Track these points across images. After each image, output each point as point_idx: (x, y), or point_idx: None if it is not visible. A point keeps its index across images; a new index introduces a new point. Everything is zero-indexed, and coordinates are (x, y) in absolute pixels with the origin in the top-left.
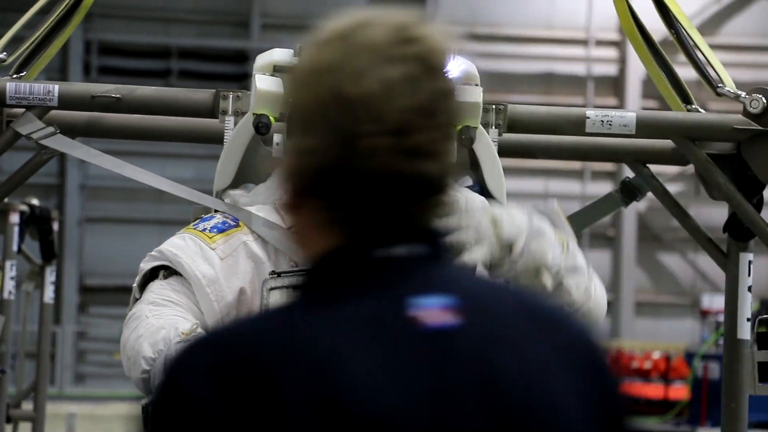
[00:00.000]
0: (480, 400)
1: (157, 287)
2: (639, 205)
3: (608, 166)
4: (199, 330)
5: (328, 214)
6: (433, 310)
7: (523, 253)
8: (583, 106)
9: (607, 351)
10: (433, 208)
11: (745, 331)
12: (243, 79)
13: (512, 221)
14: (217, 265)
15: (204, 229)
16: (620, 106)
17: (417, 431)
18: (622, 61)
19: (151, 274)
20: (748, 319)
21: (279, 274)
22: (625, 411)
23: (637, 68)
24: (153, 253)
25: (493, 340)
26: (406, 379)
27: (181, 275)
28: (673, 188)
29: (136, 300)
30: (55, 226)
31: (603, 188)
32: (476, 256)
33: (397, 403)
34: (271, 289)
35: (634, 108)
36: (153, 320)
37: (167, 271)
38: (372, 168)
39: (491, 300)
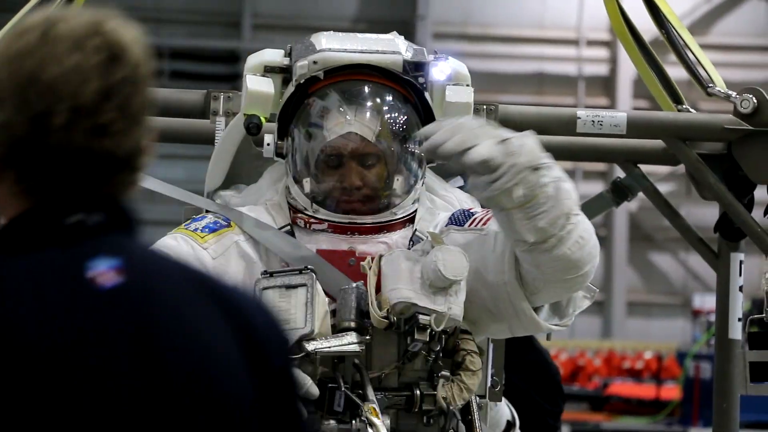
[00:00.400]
0: (132, 349)
1: None
2: (630, 205)
3: (599, 166)
4: None
5: (20, 184)
6: (102, 270)
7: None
8: (574, 106)
9: (267, 315)
10: (118, 183)
11: (736, 331)
12: (234, 80)
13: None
14: (208, 264)
15: (195, 229)
16: (611, 106)
17: (69, 368)
18: (613, 61)
19: None
20: (739, 319)
21: (271, 274)
22: (281, 367)
23: (628, 68)
24: None
25: (151, 298)
26: (68, 326)
27: None
28: (664, 188)
29: None
30: None
31: (594, 188)
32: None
33: (57, 343)
34: (264, 288)
35: (625, 108)
36: None
37: None
38: (59, 143)
39: (157, 266)
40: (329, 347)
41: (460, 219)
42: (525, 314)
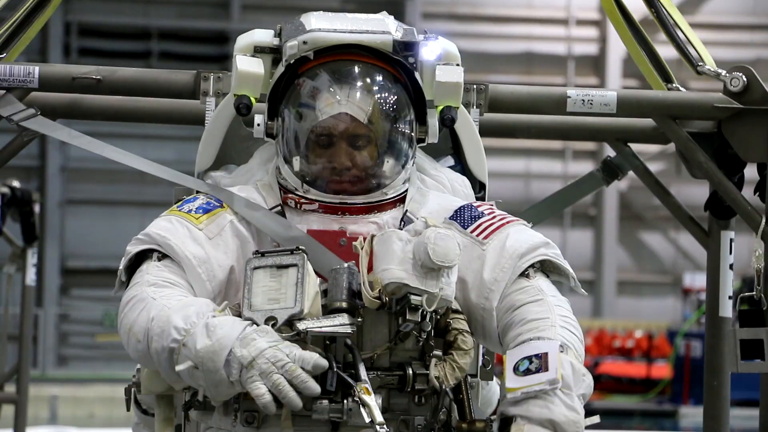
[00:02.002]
0: None
1: (153, 269)
2: (620, 184)
3: (589, 146)
4: (228, 309)
5: None
6: None
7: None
8: (564, 86)
9: None
10: None
11: (727, 309)
12: (223, 60)
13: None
14: (205, 245)
15: (189, 211)
16: (601, 85)
17: None
18: (603, 41)
19: (137, 258)
20: (730, 297)
21: (263, 254)
22: None
23: (617, 47)
24: (139, 236)
25: None
26: None
27: (170, 258)
28: (654, 167)
29: (122, 283)
30: (37, 208)
31: (584, 167)
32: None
33: None
34: (255, 268)
35: (614, 87)
36: (163, 301)
37: (159, 253)
38: None
39: None
40: (321, 327)
41: (465, 219)
42: (492, 340)
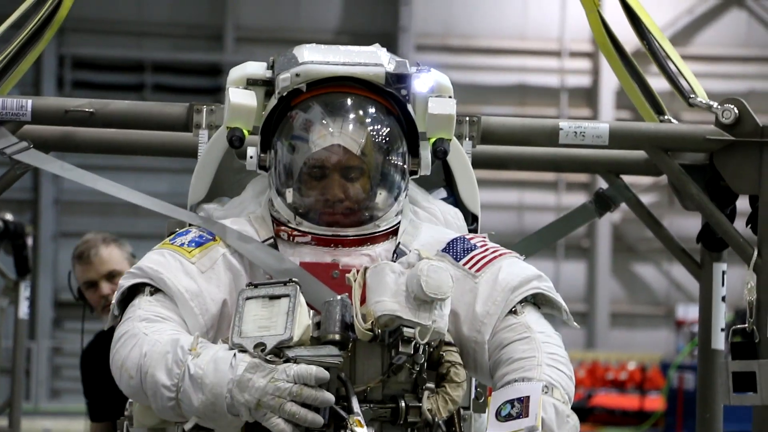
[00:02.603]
0: None
1: (145, 304)
2: (613, 216)
3: (582, 178)
4: (201, 340)
5: None
6: None
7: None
8: (557, 117)
9: None
10: None
11: (719, 341)
12: (217, 93)
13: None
14: (198, 278)
15: (182, 244)
16: (594, 117)
17: None
18: (596, 72)
19: (129, 292)
20: (722, 329)
21: (256, 285)
22: None
23: (610, 79)
24: (132, 270)
25: None
26: None
27: (162, 292)
28: (646, 199)
29: (115, 317)
30: (30, 241)
31: (577, 199)
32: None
33: None
34: (247, 299)
35: (607, 119)
36: (155, 336)
37: (152, 287)
38: None
39: None
40: (309, 355)
41: (458, 251)
42: (484, 373)
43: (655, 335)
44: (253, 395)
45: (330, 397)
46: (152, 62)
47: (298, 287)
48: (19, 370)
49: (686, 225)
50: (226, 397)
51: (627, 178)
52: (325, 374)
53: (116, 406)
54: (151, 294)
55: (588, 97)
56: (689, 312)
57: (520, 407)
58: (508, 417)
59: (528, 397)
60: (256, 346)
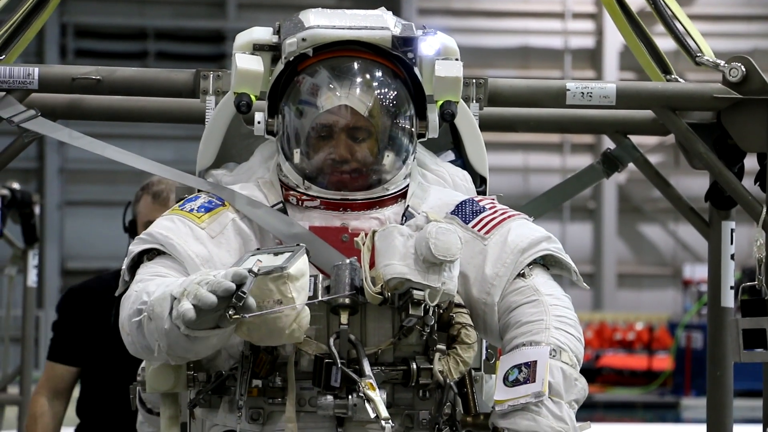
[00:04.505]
0: None
1: (143, 270)
2: (619, 177)
3: (588, 139)
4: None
5: None
6: None
7: None
8: (561, 79)
9: None
10: None
11: (728, 299)
12: (220, 60)
13: None
14: (208, 243)
15: (191, 210)
16: (598, 78)
17: None
18: (599, 34)
19: (140, 257)
20: (731, 287)
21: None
22: None
23: (614, 40)
24: (142, 236)
25: None
26: None
27: (169, 256)
28: (653, 159)
29: (126, 282)
30: (37, 209)
31: (582, 161)
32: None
33: None
34: (253, 254)
35: (611, 80)
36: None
37: (151, 253)
38: None
39: None
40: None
41: (467, 213)
42: (494, 335)
43: (662, 295)
44: (182, 284)
45: (230, 286)
46: (155, 29)
47: (304, 247)
48: (29, 338)
49: (692, 185)
50: (172, 291)
51: (634, 138)
52: (244, 273)
53: (79, 353)
54: (150, 259)
55: (592, 58)
56: (696, 272)
57: (527, 372)
58: (516, 382)
59: (535, 361)
60: (249, 271)
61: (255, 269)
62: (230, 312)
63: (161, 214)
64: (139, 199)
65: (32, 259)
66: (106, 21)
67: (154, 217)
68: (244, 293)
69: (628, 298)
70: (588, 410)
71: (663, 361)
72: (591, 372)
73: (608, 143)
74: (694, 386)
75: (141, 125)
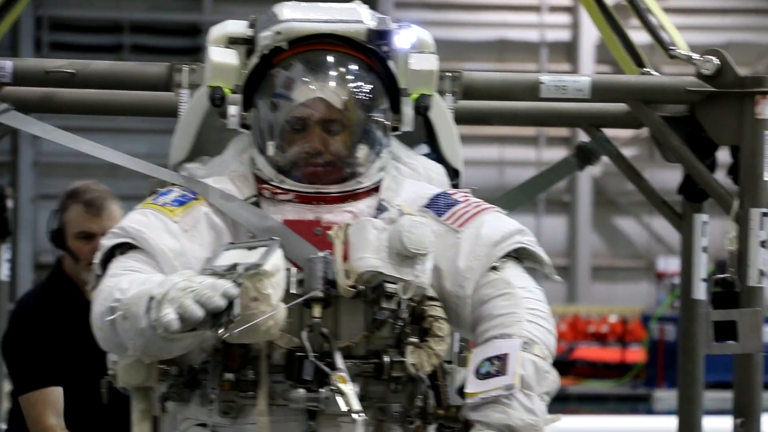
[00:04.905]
0: None
1: (116, 265)
2: (594, 170)
3: (563, 132)
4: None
5: None
6: None
7: None
8: (537, 72)
9: None
10: None
11: (700, 292)
12: (196, 53)
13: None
14: (181, 237)
15: (164, 204)
16: (574, 71)
17: None
18: (575, 27)
19: (112, 252)
20: (703, 280)
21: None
22: None
23: (590, 34)
24: (115, 230)
25: None
26: None
27: (142, 250)
28: (627, 152)
29: (98, 277)
30: (10, 203)
31: (558, 154)
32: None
33: None
34: (227, 249)
35: (587, 73)
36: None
37: (124, 248)
38: None
39: None
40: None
41: (440, 207)
42: (466, 328)
43: (636, 288)
44: (165, 287)
45: (220, 302)
46: (130, 23)
47: (279, 241)
48: (1, 332)
49: (666, 178)
50: (151, 292)
51: (608, 132)
52: (234, 293)
53: (61, 369)
54: (123, 253)
55: (568, 51)
56: (669, 264)
57: (498, 365)
58: (487, 375)
59: (507, 354)
60: (227, 270)
61: (239, 281)
62: (220, 331)
63: (96, 224)
64: (68, 208)
65: (5, 253)
66: (81, 14)
67: (88, 228)
68: (234, 316)
69: (602, 290)
70: (561, 402)
71: (636, 354)
72: (564, 364)
73: (584, 136)
74: (667, 378)
75: (116, 119)
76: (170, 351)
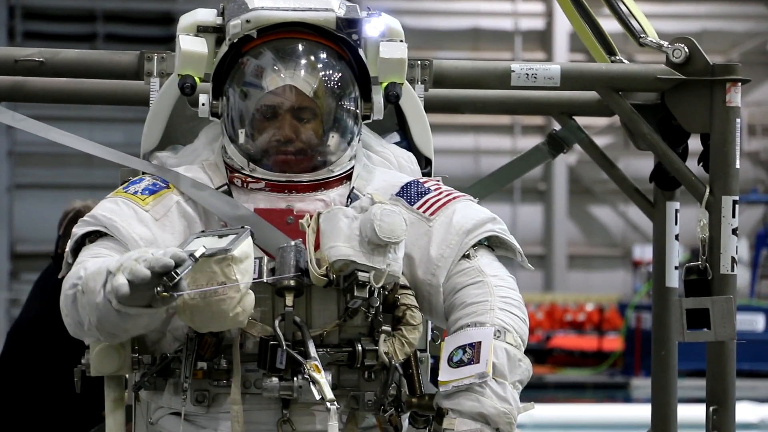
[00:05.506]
0: None
1: (85, 252)
2: (569, 158)
3: (538, 120)
4: None
5: None
6: None
7: None
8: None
9: None
10: None
11: (673, 279)
12: (169, 42)
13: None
14: (152, 226)
15: (135, 192)
16: (548, 60)
17: None
18: (549, 15)
19: (83, 240)
20: (676, 267)
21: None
22: None
23: (564, 22)
24: (86, 218)
25: None
26: None
27: (112, 238)
28: (602, 141)
29: (69, 265)
30: None
31: (533, 142)
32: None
33: None
34: (197, 237)
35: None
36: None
37: (94, 236)
38: None
39: None
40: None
41: (412, 195)
42: (439, 316)
43: (612, 276)
44: (120, 259)
45: (169, 262)
46: (104, 11)
47: (249, 229)
48: None
49: (642, 166)
50: (108, 266)
51: (583, 120)
52: (183, 256)
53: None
54: (92, 242)
55: (542, 40)
56: (645, 252)
57: (471, 353)
58: (460, 363)
59: (479, 342)
60: (190, 255)
61: (197, 255)
62: (158, 289)
63: None
64: (70, 233)
65: None
66: (54, 3)
67: None
68: (177, 273)
69: (579, 279)
70: (538, 391)
71: (613, 342)
72: (541, 353)
73: (559, 125)
74: (644, 366)
75: (90, 108)
76: (125, 329)
